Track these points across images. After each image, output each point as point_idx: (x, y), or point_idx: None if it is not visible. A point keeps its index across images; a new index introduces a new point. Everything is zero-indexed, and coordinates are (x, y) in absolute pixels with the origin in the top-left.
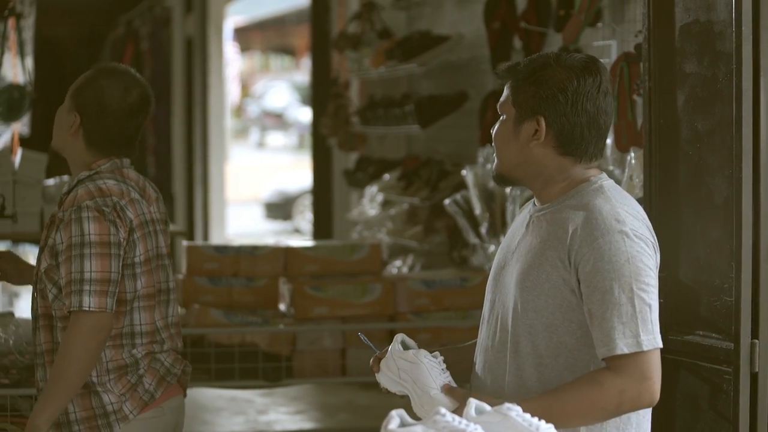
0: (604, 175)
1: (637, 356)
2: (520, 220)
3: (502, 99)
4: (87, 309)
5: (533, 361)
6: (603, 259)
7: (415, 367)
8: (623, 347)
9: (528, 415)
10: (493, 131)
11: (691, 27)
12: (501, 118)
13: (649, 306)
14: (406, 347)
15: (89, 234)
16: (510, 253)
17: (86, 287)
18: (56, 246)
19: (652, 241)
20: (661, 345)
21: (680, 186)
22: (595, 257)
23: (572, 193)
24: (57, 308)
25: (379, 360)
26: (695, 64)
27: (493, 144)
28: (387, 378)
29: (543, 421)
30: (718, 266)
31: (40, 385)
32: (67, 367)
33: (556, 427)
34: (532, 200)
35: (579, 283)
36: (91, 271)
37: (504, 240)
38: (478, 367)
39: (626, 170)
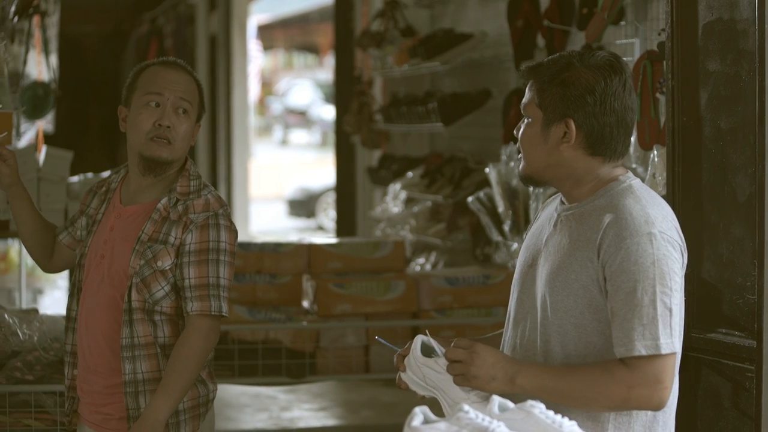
0: (631, 174)
1: (653, 359)
2: (546, 217)
3: (525, 100)
4: (219, 313)
5: (562, 360)
6: (629, 259)
7: (441, 377)
8: (641, 349)
9: (551, 412)
10: (519, 133)
11: (714, 25)
12: (526, 120)
13: (670, 310)
14: (426, 349)
15: (225, 242)
16: (538, 252)
17: (223, 293)
18: (184, 246)
19: (680, 243)
20: (678, 351)
21: (703, 184)
22: (622, 257)
23: (601, 192)
24: (165, 305)
25: (403, 357)
26: (718, 62)
27: (518, 145)
28: (413, 381)
29: (566, 419)
30: (741, 264)
31: (129, 377)
32: (190, 365)
33: (560, 403)
34: (558, 197)
35: (605, 282)
36: (225, 278)
37: (528, 237)
38: None
39: (649, 168)
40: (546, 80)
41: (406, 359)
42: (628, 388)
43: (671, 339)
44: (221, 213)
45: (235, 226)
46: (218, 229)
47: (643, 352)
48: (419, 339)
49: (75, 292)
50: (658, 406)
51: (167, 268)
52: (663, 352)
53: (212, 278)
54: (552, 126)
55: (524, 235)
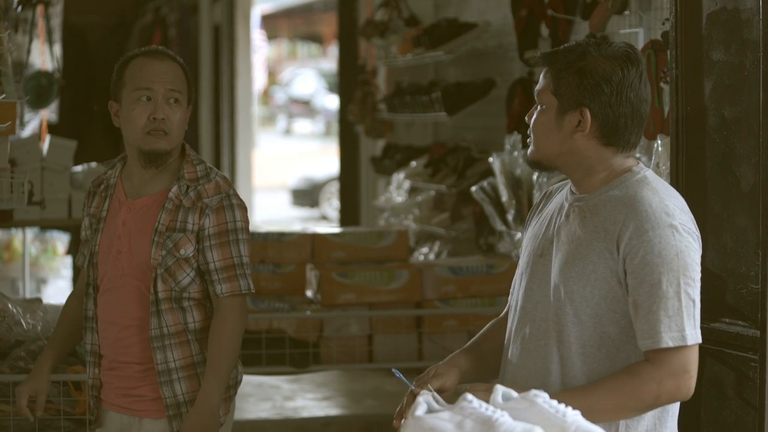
0: (643, 165)
1: (680, 350)
2: (555, 207)
3: (539, 87)
4: (249, 291)
5: (577, 350)
6: (653, 252)
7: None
8: (668, 341)
9: (555, 402)
10: (531, 120)
11: (718, 15)
12: (539, 107)
13: (693, 301)
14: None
15: (240, 220)
16: (548, 241)
17: (247, 270)
18: (203, 231)
19: (697, 234)
20: (701, 341)
21: (707, 174)
22: (645, 249)
23: (615, 183)
24: (192, 291)
25: (413, 397)
26: (722, 51)
27: (530, 132)
28: None
29: (570, 408)
30: (745, 254)
31: (161, 367)
32: (233, 346)
33: (595, 421)
34: (564, 187)
35: (626, 275)
36: (246, 255)
37: (534, 227)
38: (513, 355)
39: (653, 158)
40: (562, 68)
41: (406, 420)
42: (657, 384)
43: (695, 330)
44: (231, 193)
45: (243, 202)
46: (232, 209)
47: (670, 344)
48: (422, 403)
49: (91, 291)
50: (686, 396)
51: (190, 255)
52: (689, 343)
53: (236, 258)
54: (567, 114)
55: (526, 223)
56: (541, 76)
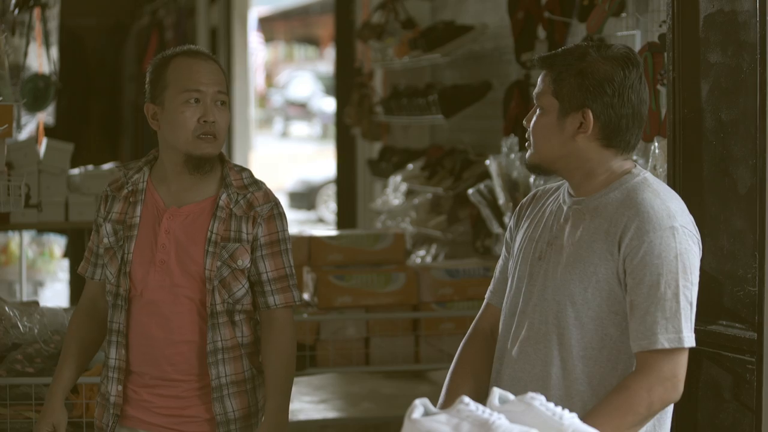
0: (641, 167)
1: (672, 354)
2: (551, 209)
3: (538, 90)
4: (300, 302)
5: (578, 352)
6: (653, 253)
7: None
8: (664, 342)
9: (552, 405)
10: (530, 123)
11: (715, 17)
12: (538, 110)
13: (691, 304)
14: None
15: (287, 230)
16: (546, 245)
17: (295, 281)
18: (257, 240)
19: (697, 236)
20: (695, 345)
21: (704, 176)
22: (645, 251)
23: (615, 185)
24: (245, 303)
25: None
26: (719, 54)
27: (529, 135)
28: None
29: (566, 411)
30: (742, 256)
31: (215, 383)
32: (293, 359)
33: None
34: (559, 190)
35: (625, 275)
36: (293, 266)
37: (528, 230)
38: (510, 358)
39: (650, 160)
40: (562, 70)
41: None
42: (648, 393)
43: (691, 333)
44: (278, 202)
45: None
46: (282, 218)
47: (666, 345)
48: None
49: (120, 303)
50: (676, 399)
51: (247, 265)
52: (685, 345)
53: (288, 268)
54: (568, 116)
55: (514, 224)
56: (540, 80)
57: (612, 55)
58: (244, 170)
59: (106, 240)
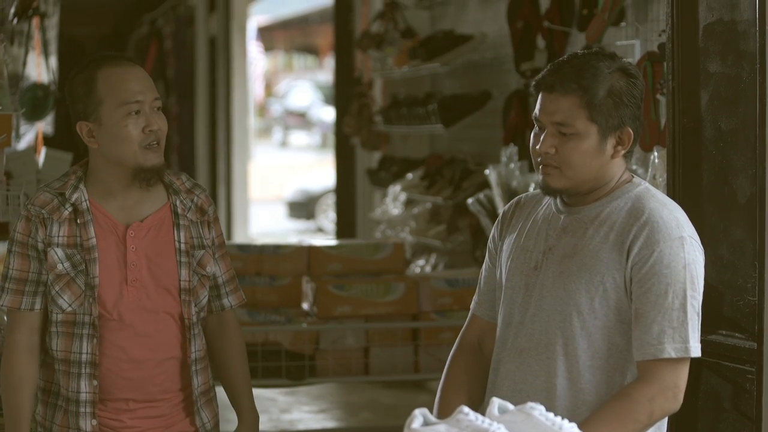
0: (636, 176)
1: (677, 363)
2: (542, 218)
3: (564, 116)
4: (244, 300)
5: (585, 362)
6: (662, 262)
7: None
8: (671, 351)
9: (551, 414)
10: (561, 149)
11: (714, 26)
12: (567, 133)
13: (698, 314)
14: None
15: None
16: (542, 255)
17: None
18: (212, 245)
19: (702, 247)
20: (700, 355)
21: (703, 185)
22: (654, 260)
23: (617, 194)
24: (205, 309)
25: None
26: (719, 63)
27: (552, 161)
28: None
29: (566, 421)
30: (742, 266)
31: (195, 395)
32: (246, 357)
33: None
34: (544, 198)
35: (631, 283)
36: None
37: (518, 239)
38: (509, 369)
39: (649, 170)
40: (590, 91)
41: None
42: (649, 402)
43: (698, 343)
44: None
45: None
46: (218, 220)
47: (674, 355)
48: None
49: (87, 332)
50: (676, 408)
51: (213, 271)
52: (692, 355)
53: (232, 269)
54: (608, 137)
55: (499, 234)
56: (551, 101)
57: (625, 68)
58: (181, 173)
59: (60, 266)
